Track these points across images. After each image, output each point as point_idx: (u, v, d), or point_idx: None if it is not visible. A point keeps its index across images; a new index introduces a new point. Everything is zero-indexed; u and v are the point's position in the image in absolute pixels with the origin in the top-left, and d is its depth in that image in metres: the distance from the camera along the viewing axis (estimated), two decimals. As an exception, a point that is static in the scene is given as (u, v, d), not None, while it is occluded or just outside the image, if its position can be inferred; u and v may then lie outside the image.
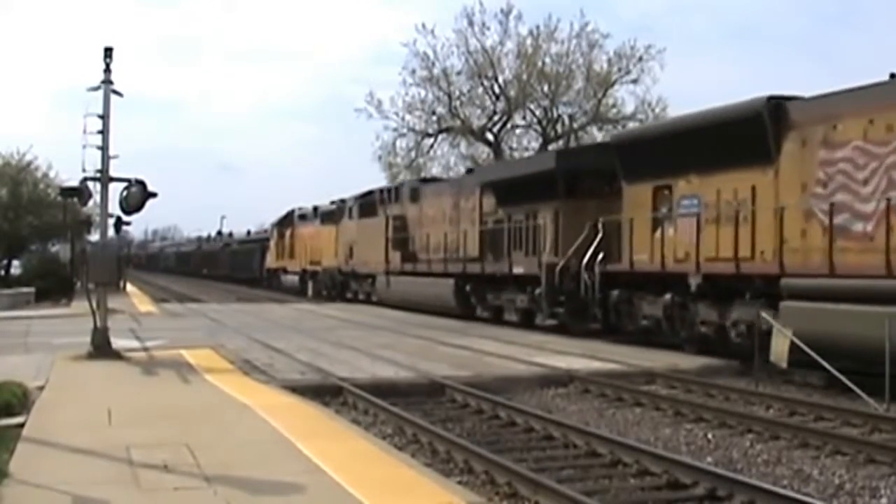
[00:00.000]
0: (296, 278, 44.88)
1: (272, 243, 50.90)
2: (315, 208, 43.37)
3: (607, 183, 20.04)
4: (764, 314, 13.86)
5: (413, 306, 28.73)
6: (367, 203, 34.43)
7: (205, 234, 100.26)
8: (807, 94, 15.18)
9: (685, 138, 17.01)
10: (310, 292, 41.87)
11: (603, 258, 19.15)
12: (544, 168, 22.17)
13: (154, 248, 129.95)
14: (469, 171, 32.07)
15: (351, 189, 43.78)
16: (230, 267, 68.14)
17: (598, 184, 20.66)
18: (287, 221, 47.83)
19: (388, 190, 33.91)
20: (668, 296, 17.28)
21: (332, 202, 41.11)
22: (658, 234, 17.70)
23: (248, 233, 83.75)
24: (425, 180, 33.56)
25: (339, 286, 37.94)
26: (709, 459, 9.37)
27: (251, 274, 58.75)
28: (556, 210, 21.27)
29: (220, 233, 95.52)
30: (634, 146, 18.97)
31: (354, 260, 35.32)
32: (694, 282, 16.50)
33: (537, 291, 21.20)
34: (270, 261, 51.35)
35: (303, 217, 45.21)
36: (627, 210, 18.71)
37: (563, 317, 20.88)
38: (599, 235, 19.36)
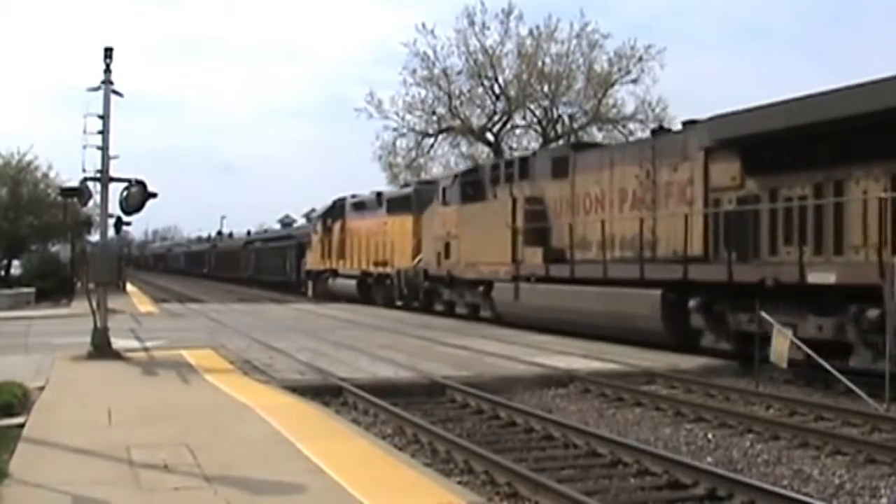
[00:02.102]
0: (352, 283, 35.37)
1: (315, 240, 40.88)
2: (378, 194, 34.88)
3: None
4: (763, 313, 13.84)
5: (569, 328, 19.73)
6: (474, 182, 25.56)
7: (218, 232, 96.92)
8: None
9: None
10: (310, 292, 41.55)
11: None
12: (878, 106, 12.84)
13: (161, 248, 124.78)
14: (657, 130, 21.11)
15: (352, 189, 42.22)
16: (255, 269, 57.86)
17: None
18: (335, 212, 38.51)
19: (509, 163, 24.74)
20: None
21: (406, 185, 35.08)
22: None
23: (248, 232, 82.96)
24: (578, 146, 23.84)
25: (424, 295, 28.68)
26: (709, 459, 9.37)
27: (284, 277, 48.82)
28: (893, 176, 13.21)
29: (219, 232, 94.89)
30: None
31: (453, 260, 25.85)
32: None
33: (870, 315, 12.82)
34: (312, 261, 41.47)
35: (359, 206, 36.22)
36: None
37: None
38: None
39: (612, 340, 18.43)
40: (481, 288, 24.40)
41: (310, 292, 41.68)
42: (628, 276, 17.96)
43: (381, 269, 32.53)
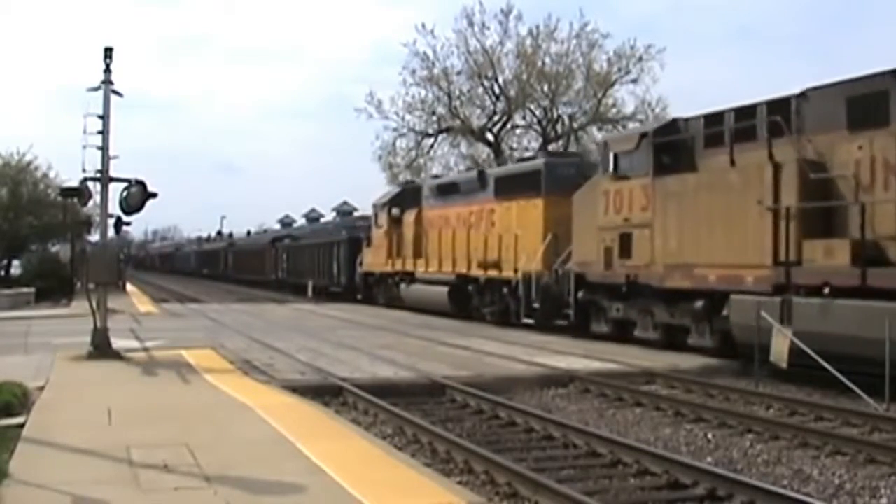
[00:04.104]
0: (439, 291, 26.79)
1: (377, 235, 32.70)
2: (481, 172, 27.10)
3: None
4: (764, 314, 13.83)
5: None
6: (675, 144, 17.50)
7: (218, 232, 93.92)
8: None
9: None
10: (310, 292, 41.38)
11: None
12: None
13: (169, 247, 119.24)
14: None
15: (353, 189, 40.92)
16: (289, 271, 48.50)
17: None
18: (406, 199, 31.01)
19: (745, 112, 15.74)
20: None
21: (524, 158, 27.50)
22: None
23: (247, 232, 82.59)
24: None
25: (577, 310, 19.96)
26: (709, 459, 9.37)
27: (329, 281, 40.09)
28: None
29: (219, 232, 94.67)
30: None
31: (639, 260, 17.75)
32: None
33: None
34: (373, 261, 33.19)
35: (446, 190, 28.39)
36: None
37: None
38: None
39: (618, 341, 18.08)
40: (699, 303, 16.28)
41: (309, 292, 41.51)
42: None
43: (490, 274, 24.19)
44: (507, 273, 23.18)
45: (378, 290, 33.13)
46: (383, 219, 32.04)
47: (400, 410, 11.12)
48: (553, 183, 22.19)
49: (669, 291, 17.12)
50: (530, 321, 21.55)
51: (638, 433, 10.74)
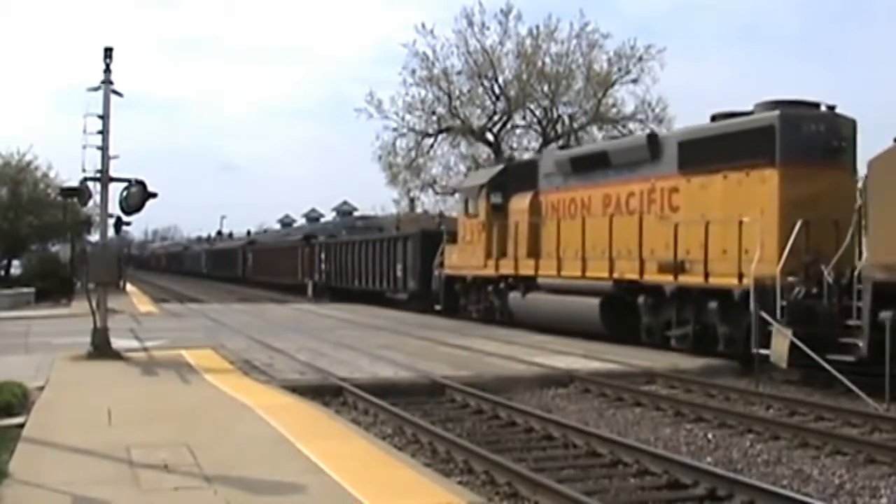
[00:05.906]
0: (584, 304, 19.36)
1: (467, 227, 25.44)
2: (652, 136, 19.56)
3: None
4: (764, 313, 13.83)
5: None
6: None
7: (218, 232, 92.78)
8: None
9: None
10: (309, 292, 41.33)
11: None
12: None
13: (175, 246, 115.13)
14: None
15: (352, 188, 39.79)
16: (327, 273, 40.65)
17: None
18: (513, 180, 23.87)
19: None
20: None
21: (729, 114, 16.74)
22: None
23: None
24: None
25: (872, 339, 12.51)
26: (709, 459, 9.38)
27: (389, 287, 33.01)
28: None
29: (220, 233, 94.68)
30: None
31: None
32: None
33: None
34: (460, 261, 25.73)
35: (584, 163, 21.05)
36: None
37: None
38: None
39: (613, 340, 17.90)
40: None
41: (309, 292, 41.46)
42: None
43: (686, 280, 16.77)
44: (723, 279, 15.78)
45: (469, 300, 25.60)
46: (479, 206, 24.56)
47: (400, 410, 11.12)
48: (793, 146, 15.35)
49: None
50: (768, 352, 13.91)
51: (638, 433, 10.75)
